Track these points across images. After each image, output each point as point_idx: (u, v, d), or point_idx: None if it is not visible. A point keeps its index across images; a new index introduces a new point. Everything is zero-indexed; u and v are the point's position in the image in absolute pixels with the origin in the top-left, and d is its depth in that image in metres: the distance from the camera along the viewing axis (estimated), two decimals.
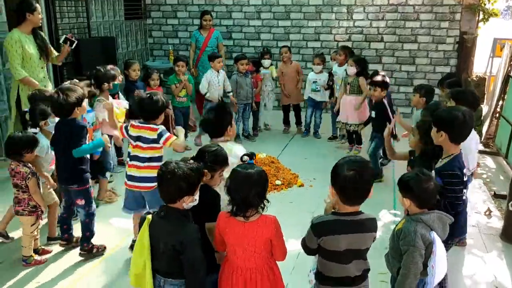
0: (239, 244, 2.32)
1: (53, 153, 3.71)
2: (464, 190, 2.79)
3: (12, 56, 4.75)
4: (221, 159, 2.60)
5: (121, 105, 4.71)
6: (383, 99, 5.25)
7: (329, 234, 2.22)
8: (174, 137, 3.42)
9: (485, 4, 7.70)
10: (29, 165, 3.45)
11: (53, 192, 3.88)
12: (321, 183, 5.24)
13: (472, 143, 3.52)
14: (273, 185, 5.10)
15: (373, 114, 5.38)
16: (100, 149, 4.07)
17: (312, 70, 6.90)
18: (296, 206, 4.74)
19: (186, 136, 6.51)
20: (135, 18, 8.79)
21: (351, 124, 6.06)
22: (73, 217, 3.95)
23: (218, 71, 6.40)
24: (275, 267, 2.43)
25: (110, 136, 4.58)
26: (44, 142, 3.66)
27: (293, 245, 3.68)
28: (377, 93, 5.21)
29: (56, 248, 3.89)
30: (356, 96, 5.96)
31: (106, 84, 4.58)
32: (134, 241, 3.62)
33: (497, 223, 4.35)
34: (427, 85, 4.86)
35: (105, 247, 3.84)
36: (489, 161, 6.17)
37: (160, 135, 3.36)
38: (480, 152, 6.44)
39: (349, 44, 8.27)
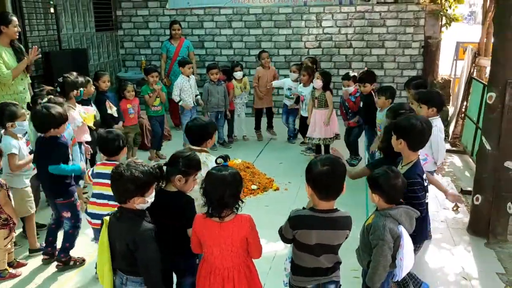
0: (216, 245, 2.38)
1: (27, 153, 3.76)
2: (427, 195, 2.91)
3: None
4: (194, 164, 2.67)
5: (89, 110, 4.72)
6: (372, 92, 5.43)
7: (304, 228, 2.32)
8: None
9: (447, 10, 8.02)
10: None
11: (29, 204, 3.84)
12: (296, 186, 5.35)
13: (439, 138, 3.71)
14: (249, 190, 5.18)
15: (361, 104, 5.56)
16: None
17: (288, 77, 7.04)
18: (272, 209, 4.82)
19: (161, 145, 6.57)
20: (106, 30, 8.79)
21: (320, 138, 6.05)
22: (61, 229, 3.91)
23: (189, 77, 6.48)
24: (252, 265, 2.50)
25: (80, 143, 4.60)
26: (11, 141, 3.64)
27: (270, 247, 3.78)
28: (367, 88, 5.39)
29: (35, 261, 3.86)
30: (325, 109, 6.00)
31: (74, 91, 4.59)
32: None
33: (464, 217, 4.53)
34: (390, 87, 5.05)
35: (83, 260, 3.83)
36: (456, 159, 6.41)
37: None
38: (448, 151, 6.68)
39: (319, 50, 8.51)
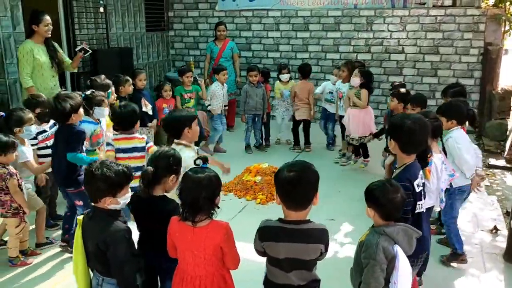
0: (188, 250, 2.27)
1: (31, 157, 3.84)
2: (419, 203, 2.61)
3: (22, 65, 4.95)
4: (180, 160, 2.57)
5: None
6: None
7: (271, 240, 2.14)
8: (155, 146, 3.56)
9: (511, 15, 7.36)
10: (8, 166, 3.52)
11: (38, 198, 3.94)
12: (324, 195, 5.04)
13: (457, 149, 3.37)
14: (272, 195, 5.01)
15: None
16: None
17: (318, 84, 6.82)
18: None
19: (198, 144, 6.57)
20: (157, 30, 8.99)
21: (356, 137, 5.83)
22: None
23: (223, 84, 6.47)
24: (228, 276, 2.35)
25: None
26: (21, 147, 3.71)
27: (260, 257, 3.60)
28: (393, 103, 5.04)
29: (52, 250, 3.95)
30: (358, 109, 5.74)
31: (102, 93, 4.66)
32: None
33: (503, 242, 4.06)
34: (420, 94, 4.72)
35: None
36: (509, 178, 5.83)
37: (147, 142, 3.59)
38: (501, 168, 6.11)
39: (368, 55, 8.14)
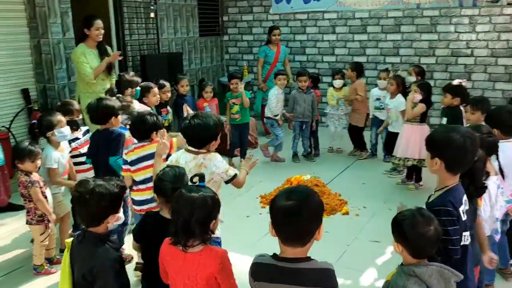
0: (179, 278, 2.00)
1: (66, 164, 3.76)
2: (464, 234, 2.13)
3: (80, 66, 4.99)
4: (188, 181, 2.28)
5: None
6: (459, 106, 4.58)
7: (263, 280, 1.80)
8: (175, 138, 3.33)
9: None
10: (31, 174, 3.47)
11: (67, 202, 3.87)
12: (370, 212, 4.65)
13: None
14: None
15: (444, 121, 4.68)
16: None
17: (376, 86, 6.30)
18: (331, 236, 4.20)
19: (245, 153, 6.33)
20: (211, 35, 8.91)
21: (415, 159, 5.13)
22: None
23: (282, 89, 6.25)
24: None
25: None
26: (51, 153, 3.67)
27: None
28: (446, 100, 4.57)
29: None
30: (419, 125, 5.11)
31: (129, 90, 4.59)
32: (137, 263, 3.47)
33: None
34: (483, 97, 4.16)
35: (132, 257, 3.72)
36: None
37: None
38: None
39: (432, 59, 7.48)
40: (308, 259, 1.78)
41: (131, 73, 4.78)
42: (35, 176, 3.50)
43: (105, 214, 2.07)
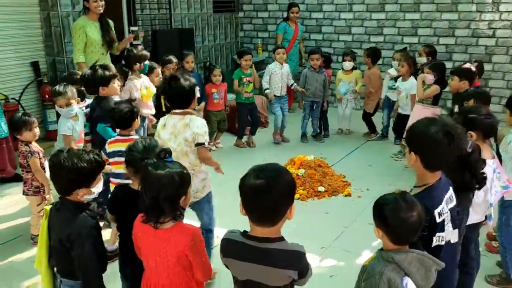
0: (150, 254, 1.98)
1: (81, 133, 3.83)
2: (438, 235, 1.97)
3: (74, 41, 5.00)
4: (160, 153, 2.21)
5: (151, 87, 4.61)
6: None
7: (232, 257, 1.75)
8: None
9: None
10: (31, 144, 3.49)
11: None
12: (373, 195, 4.49)
13: None
14: (315, 191, 4.57)
15: (456, 108, 4.51)
16: None
17: (392, 67, 6.10)
18: (330, 217, 4.17)
19: (254, 132, 6.26)
20: (226, 11, 8.77)
21: None
22: None
23: (282, 64, 6.03)
24: None
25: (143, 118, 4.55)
26: (65, 120, 3.71)
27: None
28: (453, 83, 4.32)
29: None
30: (431, 107, 4.94)
31: (137, 65, 4.55)
32: None
33: None
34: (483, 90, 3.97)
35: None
36: None
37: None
38: None
39: (452, 39, 7.20)
40: (279, 239, 1.72)
41: (139, 47, 4.74)
42: (35, 147, 3.53)
43: (73, 187, 2.06)
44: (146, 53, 4.63)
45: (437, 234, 1.95)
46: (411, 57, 5.70)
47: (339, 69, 6.71)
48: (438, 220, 1.95)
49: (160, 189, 1.88)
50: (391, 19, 7.66)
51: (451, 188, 2.07)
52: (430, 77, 4.87)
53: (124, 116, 3.15)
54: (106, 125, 3.57)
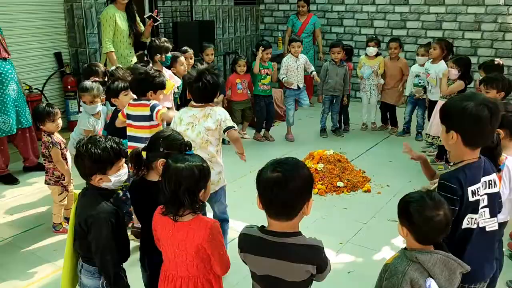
0: (169, 246, 1.98)
1: (100, 131, 3.84)
2: (470, 216, 1.94)
3: (104, 30, 5.01)
4: (177, 144, 2.22)
5: (172, 79, 4.59)
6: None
7: (250, 252, 1.75)
8: (164, 109, 3.32)
9: None
10: (53, 135, 3.54)
11: None
12: (393, 191, 4.49)
13: None
14: (334, 186, 4.53)
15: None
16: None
17: (415, 62, 5.98)
18: (349, 213, 4.13)
19: (270, 126, 6.24)
20: (247, 4, 8.73)
21: (434, 137, 5.03)
22: None
23: (297, 57, 5.97)
24: (215, 281, 2.02)
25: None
26: (86, 117, 3.77)
27: None
28: (491, 95, 4.05)
29: None
30: None
31: (158, 56, 4.55)
32: (134, 226, 3.50)
33: None
34: (501, 76, 3.82)
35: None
36: None
37: (152, 109, 3.26)
38: None
39: (477, 34, 7.03)
40: (297, 234, 1.71)
41: (163, 38, 4.73)
42: (57, 138, 3.58)
43: (88, 172, 2.10)
44: (168, 44, 4.63)
45: (469, 215, 1.93)
46: (444, 39, 5.58)
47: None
48: (471, 198, 1.91)
49: (180, 182, 1.88)
50: (415, 12, 7.53)
51: (494, 174, 2.03)
52: (454, 72, 4.77)
53: (144, 86, 3.29)
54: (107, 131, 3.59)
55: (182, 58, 4.93)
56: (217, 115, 2.89)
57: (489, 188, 2.01)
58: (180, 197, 1.89)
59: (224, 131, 2.91)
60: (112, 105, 3.78)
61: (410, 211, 1.84)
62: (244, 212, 3.61)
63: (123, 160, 2.18)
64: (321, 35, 7.94)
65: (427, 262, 1.81)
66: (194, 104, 2.95)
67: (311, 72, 6.12)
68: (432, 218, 1.79)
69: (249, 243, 1.76)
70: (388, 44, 6.27)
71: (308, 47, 7.59)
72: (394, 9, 7.69)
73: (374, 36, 7.09)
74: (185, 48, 5.30)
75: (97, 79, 4.07)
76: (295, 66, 5.99)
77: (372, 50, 6.22)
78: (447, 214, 1.82)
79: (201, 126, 2.88)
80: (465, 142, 1.93)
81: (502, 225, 2.55)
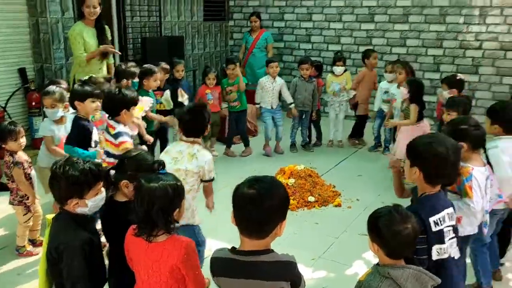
0: (142, 267, 1.94)
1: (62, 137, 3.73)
2: (438, 247, 2.01)
3: (75, 46, 4.87)
4: (144, 166, 2.19)
5: (142, 102, 4.53)
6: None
7: (222, 275, 1.73)
8: (128, 143, 3.26)
9: None
10: (16, 154, 3.42)
11: None
12: (363, 205, 4.55)
13: (500, 160, 2.81)
14: (305, 201, 4.55)
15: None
16: None
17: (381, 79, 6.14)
18: (320, 228, 4.15)
19: (246, 141, 6.22)
20: (217, 20, 8.78)
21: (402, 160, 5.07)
22: None
23: (274, 78, 6.02)
24: None
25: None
26: (45, 123, 3.70)
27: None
28: (452, 116, 4.24)
29: None
30: (417, 124, 4.83)
31: (125, 81, 4.49)
32: None
33: None
34: (464, 99, 3.97)
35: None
36: None
37: (115, 136, 3.24)
38: None
39: (440, 51, 7.28)
40: (268, 251, 1.71)
41: (130, 63, 4.67)
42: (19, 157, 3.45)
43: (64, 196, 2.03)
44: (134, 69, 4.56)
45: (436, 245, 1.98)
46: (408, 64, 5.75)
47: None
48: (434, 228, 1.98)
49: (153, 202, 1.85)
50: (380, 29, 7.75)
51: (452, 208, 2.12)
52: (404, 91, 4.86)
53: (115, 105, 3.26)
54: (70, 146, 3.41)
55: (158, 74, 4.90)
56: (203, 161, 2.87)
57: (451, 220, 2.11)
58: (154, 218, 1.85)
59: (203, 180, 2.95)
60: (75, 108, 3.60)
61: (379, 226, 1.88)
62: (214, 229, 3.58)
63: (101, 183, 2.12)
64: (277, 49, 8.12)
65: (399, 277, 1.83)
66: (184, 138, 2.95)
67: (289, 104, 6.14)
68: (400, 232, 1.84)
69: (221, 265, 1.74)
70: (370, 54, 6.37)
71: (262, 63, 7.66)
72: (360, 26, 7.90)
73: (340, 52, 7.23)
74: (176, 60, 5.37)
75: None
76: (271, 88, 6.05)
77: (340, 70, 6.32)
78: (415, 228, 1.87)
79: (184, 165, 2.87)
80: (426, 179, 2.08)
81: (470, 237, 2.63)
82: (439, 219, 2.01)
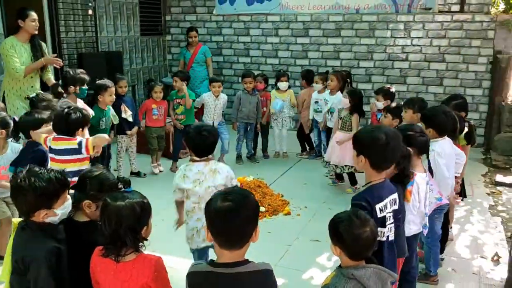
0: None
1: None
2: (381, 230, 2.23)
3: (8, 59, 4.64)
4: (106, 185, 2.17)
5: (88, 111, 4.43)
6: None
7: None
8: (90, 138, 3.24)
9: None
10: None
11: (5, 207, 3.63)
12: (311, 212, 4.72)
13: (438, 164, 3.08)
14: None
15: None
16: None
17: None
18: (274, 237, 4.24)
19: (177, 157, 6.18)
20: (153, 34, 8.71)
21: (338, 166, 5.23)
22: None
23: (216, 96, 6.09)
24: None
25: None
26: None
27: None
28: (387, 120, 4.46)
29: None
30: (348, 133, 5.09)
31: (72, 87, 4.39)
32: None
33: (504, 271, 3.63)
34: (420, 99, 4.30)
35: None
36: None
37: (80, 144, 3.16)
38: (509, 185, 5.66)
39: (370, 63, 7.74)
40: (246, 262, 1.77)
41: (78, 70, 4.54)
42: None
43: (32, 208, 1.97)
44: (84, 76, 4.46)
45: (379, 229, 2.17)
46: (339, 71, 6.04)
47: (270, 91, 6.84)
48: (379, 214, 2.20)
49: (120, 221, 1.84)
50: (315, 43, 8.08)
51: (396, 194, 2.35)
52: (345, 101, 5.12)
53: (71, 124, 3.16)
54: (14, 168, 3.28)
55: (113, 89, 4.84)
56: (226, 172, 2.94)
57: (393, 206, 2.34)
58: (122, 237, 1.84)
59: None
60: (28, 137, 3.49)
61: (340, 231, 2.01)
62: (169, 244, 3.57)
63: (68, 191, 2.07)
64: (217, 64, 8.26)
65: (363, 276, 1.96)
66: (196, 158, 2.93)
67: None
68: (360, 235, 1.98)
69: (200, 280, 1.76)
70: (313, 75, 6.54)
71: (202, 77, 7.74)
72: (296, 40, 8.19)
73: (282, 70, 7.39)
74: (119, 76, 5.24)
75: None
76: (213, 105, 6.09)
77: (284, 85, 6.47)
78: (373, 230, 2.02)
79: (209, 183, 2.88)
80: (372, 165, 2.29)
81: (417, 235, 2.84)
82: (384, 205, 2.25)
